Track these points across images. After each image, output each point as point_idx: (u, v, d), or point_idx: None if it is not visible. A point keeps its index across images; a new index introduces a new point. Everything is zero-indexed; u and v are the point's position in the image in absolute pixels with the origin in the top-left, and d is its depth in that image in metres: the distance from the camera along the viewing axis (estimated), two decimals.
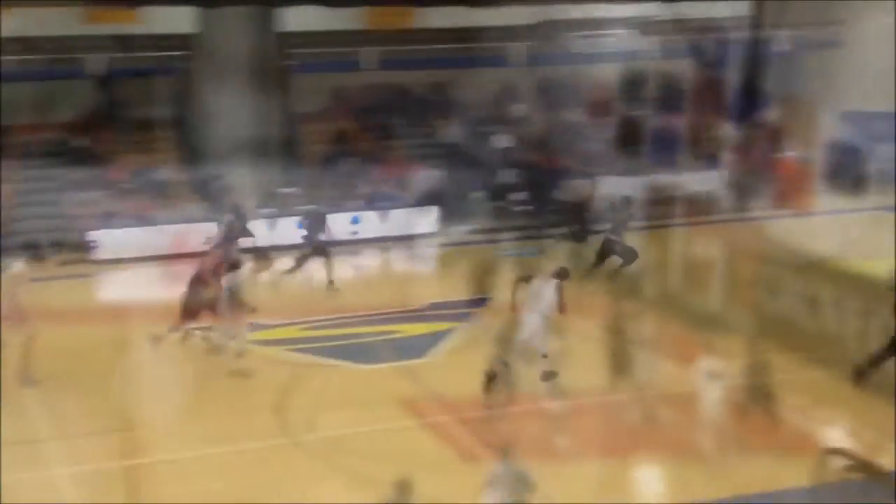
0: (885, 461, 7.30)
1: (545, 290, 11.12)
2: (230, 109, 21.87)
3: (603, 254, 16.01)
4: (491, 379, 10.83)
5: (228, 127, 21.77)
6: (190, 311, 12.53)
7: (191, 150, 22.32)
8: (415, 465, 8.85)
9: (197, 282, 12.61)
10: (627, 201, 16.52)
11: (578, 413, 10.32)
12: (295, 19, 22.49)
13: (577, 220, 18.57)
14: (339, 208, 21.43)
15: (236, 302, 12.03)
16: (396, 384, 11.39)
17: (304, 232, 17.18)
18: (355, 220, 21.10)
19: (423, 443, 9.64)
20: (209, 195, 21.22)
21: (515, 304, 11.16)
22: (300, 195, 22.56)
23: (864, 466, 5.20)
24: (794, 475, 7.75)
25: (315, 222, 17.17)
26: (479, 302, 14.84)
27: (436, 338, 13.06)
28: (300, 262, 16.70)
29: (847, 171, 25.87)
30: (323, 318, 13.82)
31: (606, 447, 9.63)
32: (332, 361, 12.37)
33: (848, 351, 12.11)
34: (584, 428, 10.16)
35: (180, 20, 21.78)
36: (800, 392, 10.84)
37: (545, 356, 10.94)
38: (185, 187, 21.49)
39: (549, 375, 10.89)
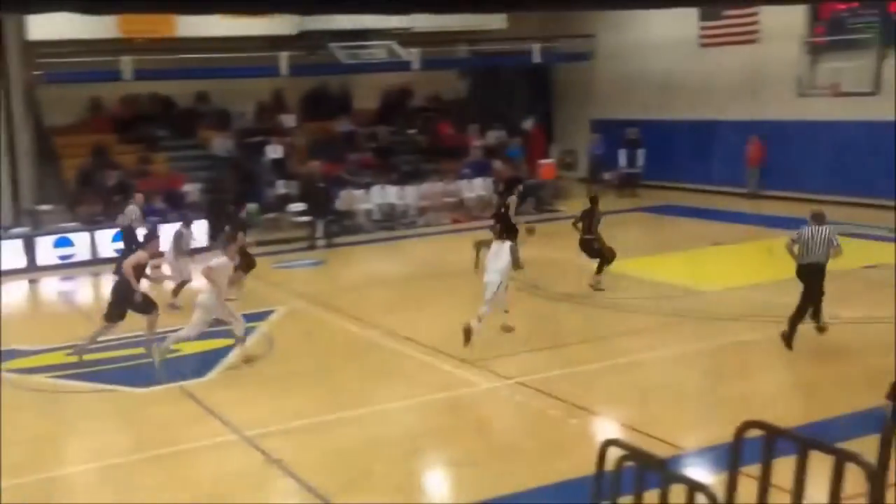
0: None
1: (502, 251, 12.76)
2: None
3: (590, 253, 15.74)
4: (467, 334, 12.24)
5: None
6: (117, 313, 12.63)
7: None
8: (219, 484, 8.67)
9: (126, 283, 12.51)
10: (596, 200, 16.31)
11: None
12: (43, 28, 21.14)
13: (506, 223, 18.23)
14: (101, 225, 20.52)
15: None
16: (177, 405, 11.00)
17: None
18: (119, 237, 20.20)
19: (218, 463, 9.37)
20: None
21: (478, 266, 12.93)
22: (57, 212, 21.44)
23: (638, 455, 5.56)
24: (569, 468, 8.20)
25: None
26: (262, 315, 14.63)
27: (218, 355, 12.71)
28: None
29: (598, 175, 27.62)
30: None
31: None
32: (105, 386, 11.75)
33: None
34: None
35: None
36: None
37: (506, 311, 12.87)
38: None
39: (508, 329, 12.84)
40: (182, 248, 15.82)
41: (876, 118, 22.27)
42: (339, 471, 8.84)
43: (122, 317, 12.72)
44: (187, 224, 16.57)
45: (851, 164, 22.92)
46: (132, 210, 18.19)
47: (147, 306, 12.73)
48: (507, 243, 12.98)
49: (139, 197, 18.91)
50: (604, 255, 15.62)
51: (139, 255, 12.94)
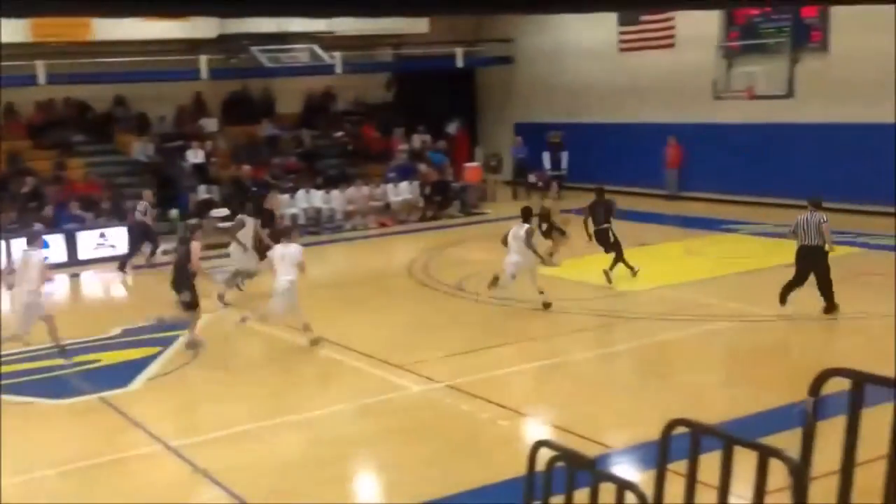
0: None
1: (520, 233, 13.56)
2: None
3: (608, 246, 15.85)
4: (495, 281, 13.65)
5: None
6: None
7: None
8: (143, 495, 8.47)
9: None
10: (602, 191, 16.38)
11: None
12: None
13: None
14: (18, 233, 19.90)
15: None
16: (98, 417, 10.73)
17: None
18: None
19: (142, 474, 9.17)
20: None
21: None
22: None
23: (568, 455, 5.62)
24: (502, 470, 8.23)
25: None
26: (186, 322, 14.33)
27: (140, 365, 12.44)
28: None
29: (522, 178, 27.83)
30: (5, 352, 12.68)
31: None
32: (23, 399, 11.40)
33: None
34: None
35: None
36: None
37: (541, 292, 13.83)
38: None
39: (546, 305, 13.78)
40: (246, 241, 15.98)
41: (789, 120, 22.90)
42: (267, 479, 8.74)
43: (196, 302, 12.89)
44: (250, 215, 16.57)
45: (767, 165, 23.50)
46: (143, 206, 18.60)
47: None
48: (526, 225, 13.69)
49: (148, 194, 19.19)
50: (619, 247, 15.76)
51: (196, 247, 12.93)
